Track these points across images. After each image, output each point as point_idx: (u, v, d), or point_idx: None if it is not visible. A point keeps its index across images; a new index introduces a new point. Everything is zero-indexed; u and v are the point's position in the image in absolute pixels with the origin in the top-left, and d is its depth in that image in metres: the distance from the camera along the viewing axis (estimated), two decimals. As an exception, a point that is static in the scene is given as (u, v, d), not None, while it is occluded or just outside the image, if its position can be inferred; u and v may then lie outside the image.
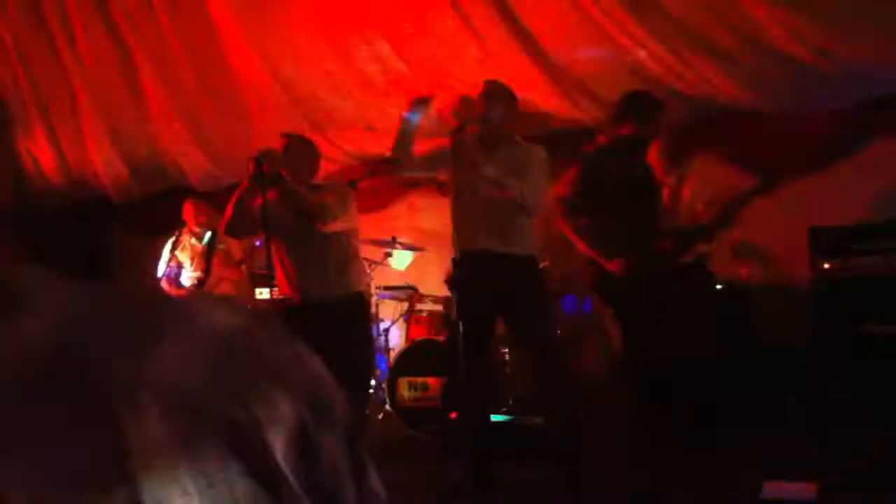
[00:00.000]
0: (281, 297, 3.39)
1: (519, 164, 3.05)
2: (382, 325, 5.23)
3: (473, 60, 4.55)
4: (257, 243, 3.47)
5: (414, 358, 4.60)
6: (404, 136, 3.10)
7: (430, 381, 4.52)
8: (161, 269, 4.89)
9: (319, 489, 0.45)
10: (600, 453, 3.45)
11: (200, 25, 4.93)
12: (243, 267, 5.05)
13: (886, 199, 4.23)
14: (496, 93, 3.15)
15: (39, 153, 5.92)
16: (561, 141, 4.84)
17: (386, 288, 5.26)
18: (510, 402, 4.56)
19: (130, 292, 0.48)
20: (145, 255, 5.45)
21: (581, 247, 3.36)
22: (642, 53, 4.21)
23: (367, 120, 5.35)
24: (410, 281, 5.33)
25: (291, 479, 0.43)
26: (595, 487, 3.01)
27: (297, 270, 3.31)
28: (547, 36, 4.33)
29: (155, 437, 0.39)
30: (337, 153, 5.76)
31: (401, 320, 5.20)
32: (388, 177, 3.30)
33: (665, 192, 3.58)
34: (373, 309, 5.00)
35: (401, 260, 5.25)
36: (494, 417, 4.16)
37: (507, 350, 4.58)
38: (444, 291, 4.81)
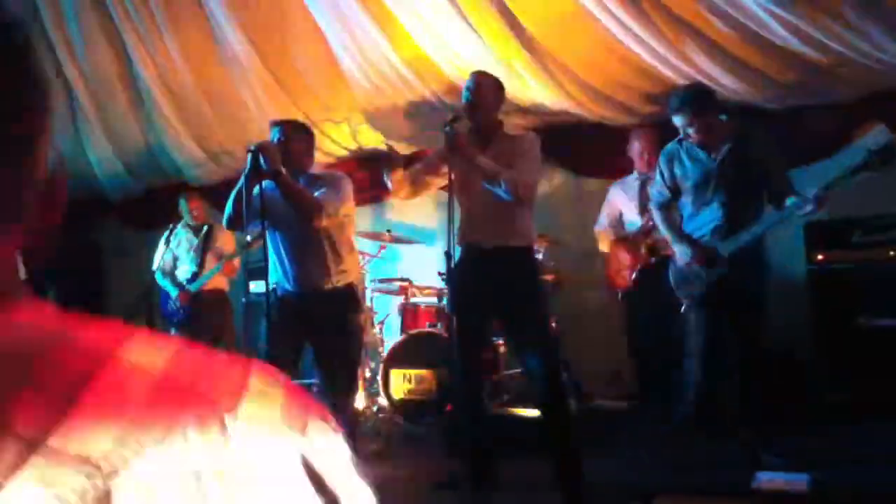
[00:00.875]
0: (274, 285, 3.39)
1: (511, 154, 3.05)
2: (377, 318, 5.23)
3: (466, 53, 4.54)
4: (248, 238, 3.44)
5: (408, 350, 4.60)
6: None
7: (425, 373, 4.52)
8: (156, 262, 4.89)
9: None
10: (596, 450, 3.44)
11: (197, 21, 4.92)
12: (237, 260, 5.03)
13: (886, 193, 4.22)
14: (485, 83, 3.14)
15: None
16: (555, 133, 4.85)
17: (381, 280, 5.26)
18: (505, 397, 4.57)
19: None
20: (141, 250, 5.44)
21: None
22: (637, 46, 4.21)
23: (363, 115, 5.34)
24: (405, 273, 5.33)
25: None
26: (594, 486, 3.01)
27: (294, 261, 3.31)
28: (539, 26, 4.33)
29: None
30: (332, 147, 5.75)
31: (395, 312, 5.19)
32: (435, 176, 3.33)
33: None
34: (367, 301, 4.99)
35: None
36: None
37: (502, 342, 4.58)
38: (438, 283, 4.81)
